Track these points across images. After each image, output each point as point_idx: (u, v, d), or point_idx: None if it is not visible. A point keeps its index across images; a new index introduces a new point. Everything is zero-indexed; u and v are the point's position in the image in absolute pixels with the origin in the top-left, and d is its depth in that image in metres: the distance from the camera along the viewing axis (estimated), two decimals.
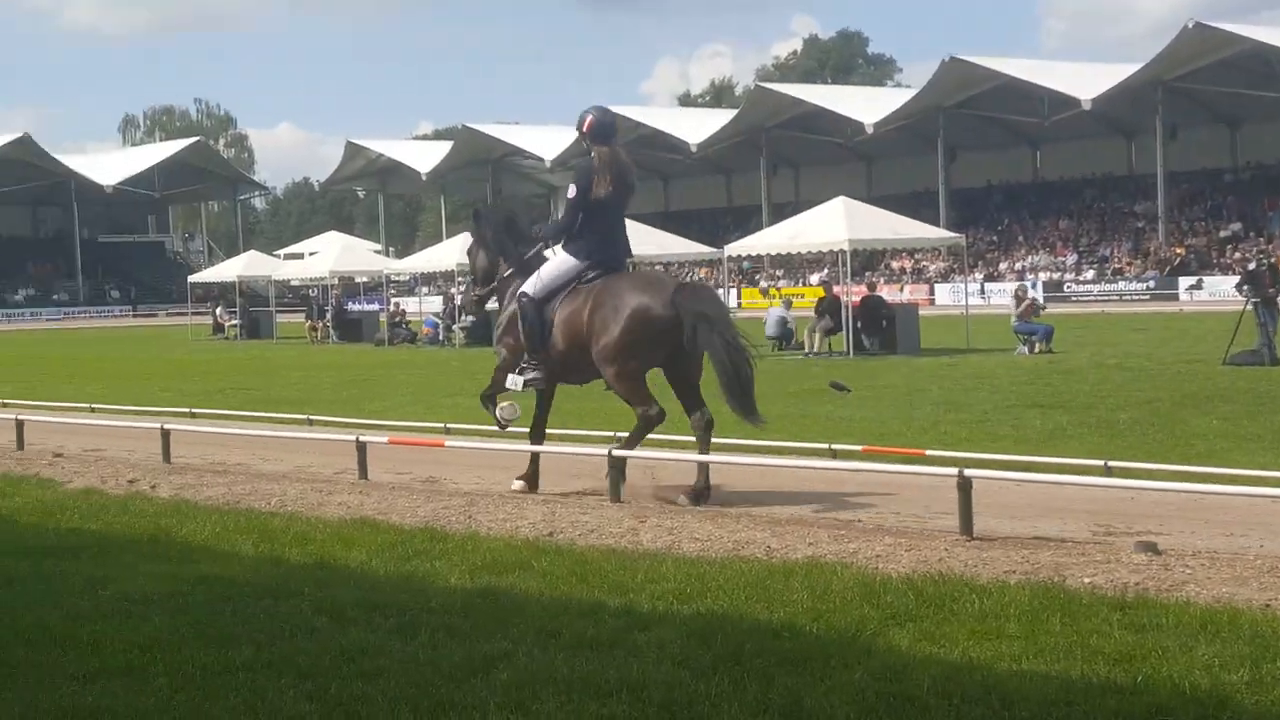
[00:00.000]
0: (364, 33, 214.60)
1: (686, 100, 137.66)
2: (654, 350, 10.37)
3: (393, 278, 58.56)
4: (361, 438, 12.20)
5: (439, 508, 10.16)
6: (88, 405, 19.13)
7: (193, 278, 59.84)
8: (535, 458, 11.06)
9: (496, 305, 12.02)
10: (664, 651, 6.11)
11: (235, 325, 51.11)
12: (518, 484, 11.03)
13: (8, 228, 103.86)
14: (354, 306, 59.02)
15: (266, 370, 30.32)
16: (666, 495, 10.47)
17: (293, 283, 67.29)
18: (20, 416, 15.14)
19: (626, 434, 11.37)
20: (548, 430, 11.61)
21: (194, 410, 16.92)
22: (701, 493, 10.30)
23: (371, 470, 11.84)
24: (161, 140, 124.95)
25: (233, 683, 5.82)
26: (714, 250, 38.06)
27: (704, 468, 10.48)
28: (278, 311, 52.48)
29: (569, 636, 6.41)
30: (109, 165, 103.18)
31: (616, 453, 10.57)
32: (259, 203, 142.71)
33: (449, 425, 14.76)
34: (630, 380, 10.48)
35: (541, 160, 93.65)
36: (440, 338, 40.96)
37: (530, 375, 10.79)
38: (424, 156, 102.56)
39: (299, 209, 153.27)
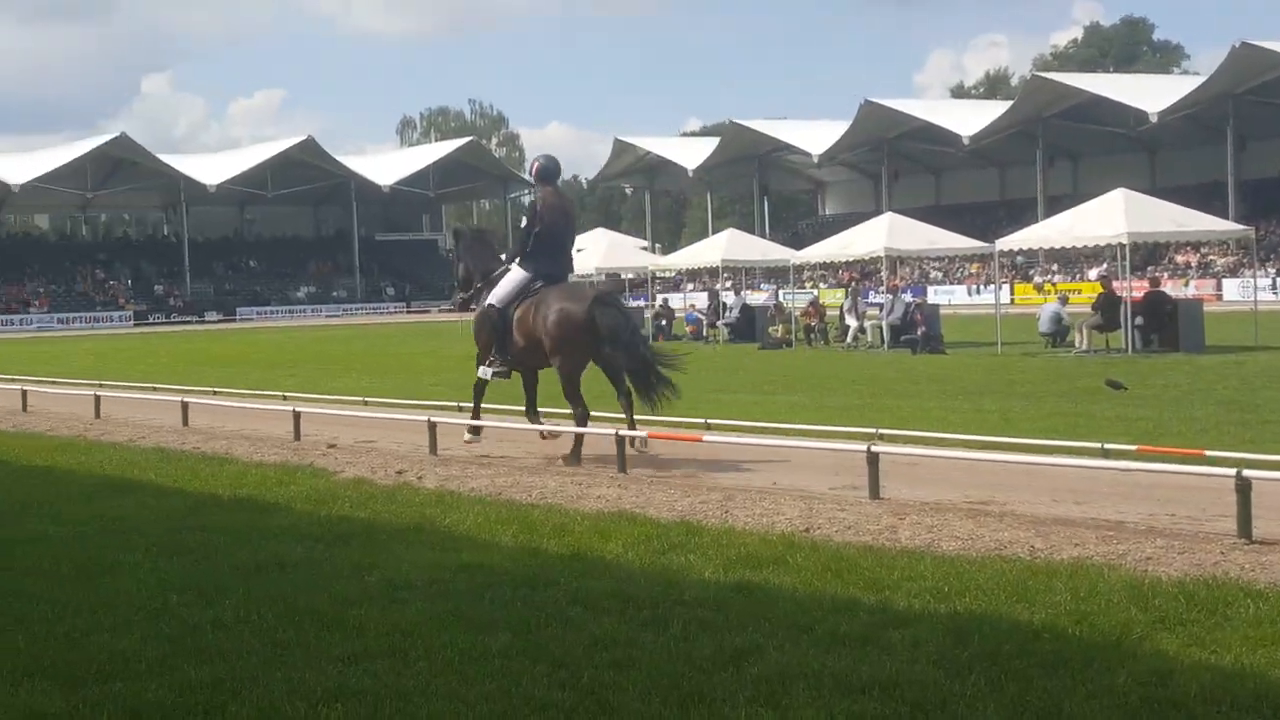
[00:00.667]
0: (632, 31, 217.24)
1: (960, 92, 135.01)
2: (582, 344, 12.83)
3: (658, 274, 59.05)
4: (621, 432, 12.34)
5: (696, 502, 10.21)
6: (361, 398, 19.77)
7: None
8: (579, 438, 12.99)
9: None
10: (919, 650, 6.02)
11: None
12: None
13: (291, 227, 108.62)
14: None
15: None
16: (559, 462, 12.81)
17: None
18: (298, 409, 15.77)
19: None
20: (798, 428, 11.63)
21: (460, 404, 17.33)
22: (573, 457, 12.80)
23: (630, 464, 11.95)
24: (436, 140, 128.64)
25: (489, 668, 5.95)
26: (985, 244, 37.14)
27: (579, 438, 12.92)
28: None
29: (822, 632, 6.36)
30: (386, 165, 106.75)
31: (875, 449, 10.45)
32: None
33: (709, 421, 14.78)
34: (568, 376, 12.99)
35: (809, 155, 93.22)
36: (704, 334, 41.09)
37: (497, 367, 13.64)
38: (691, 153, 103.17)
39: None
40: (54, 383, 25.99)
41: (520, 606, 7.02)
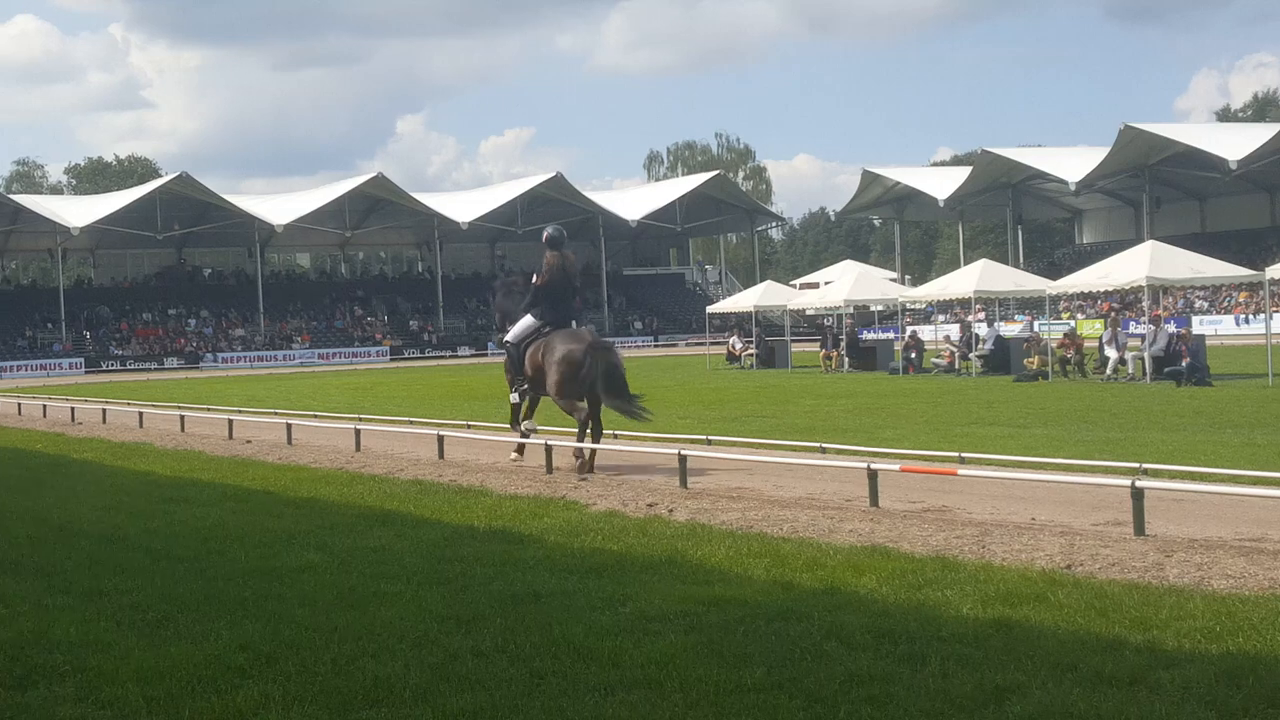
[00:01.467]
0: (879, 61, 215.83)
1: (1225, 115, 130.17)
2: (577, 379, 15.51)
3: (908, 306, 58.25)
4: (873, 465, 12.18)
5: (951, 537, 10.01)
6: (611, 432, 19.89)
7: (710, 308, 61.53)
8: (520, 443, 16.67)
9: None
10: (1189, 691, 5.79)
11: (751, 354, 52.24)
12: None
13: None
14: (868, 335, 59.23)
15: (780, 398, 30.81)
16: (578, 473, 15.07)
17: (808, 312, 68.14)
18: (549, 442, 16.01)
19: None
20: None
21: (710, 438, 17.38)
22: (586, 465, 15.41)
23: (882, 498, 11.81)
24: (683, 175, 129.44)
25: (744, 702, 5.92)
26: (1255, 272, 35.57)
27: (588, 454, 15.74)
28: (792, 340, 53.30)
29: (1086, 671, 6.17)
30: (633, 200, 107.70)
31: (1139, 484, 10.09)
32: (776, 233, 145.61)
33: (963, 454, 14.51)
34: (565, 399, 15.78)
35: (1065, 183, 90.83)
36: (956, 366, 40.38)
37: (522, 388, 16.72)
38: (941, 182, 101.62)
39: (815, 238, 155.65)
40: (316, 416, 26.94)
41: (774, 640, 6.98)
